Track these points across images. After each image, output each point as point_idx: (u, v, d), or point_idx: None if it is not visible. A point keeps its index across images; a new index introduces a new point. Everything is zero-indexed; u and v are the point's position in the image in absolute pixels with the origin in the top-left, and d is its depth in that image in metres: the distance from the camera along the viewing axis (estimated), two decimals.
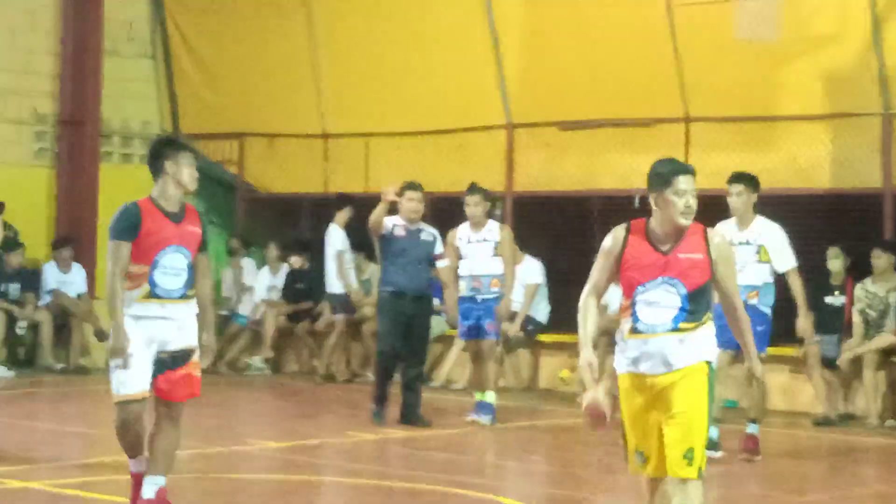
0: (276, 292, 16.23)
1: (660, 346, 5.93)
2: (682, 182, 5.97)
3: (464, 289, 11.74)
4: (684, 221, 5.94)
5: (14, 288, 15.65)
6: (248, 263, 16.74)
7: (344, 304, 15.19)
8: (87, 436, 11.00)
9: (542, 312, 14.61)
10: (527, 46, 15.00)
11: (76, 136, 16.76)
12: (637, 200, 13.64)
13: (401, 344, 11.46)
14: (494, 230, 11.78)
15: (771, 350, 10.55)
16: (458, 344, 14.14)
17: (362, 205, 15.24)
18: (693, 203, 5.97)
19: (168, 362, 7.06)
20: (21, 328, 15.52)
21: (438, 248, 11.66)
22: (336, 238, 15.06)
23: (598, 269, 6.06)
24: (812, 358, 12.43)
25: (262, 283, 16.43)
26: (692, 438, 5.88)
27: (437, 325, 15.15)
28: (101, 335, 15.45)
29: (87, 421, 11.96)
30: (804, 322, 10.50)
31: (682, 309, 5.92)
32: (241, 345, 16.40)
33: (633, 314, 5.97)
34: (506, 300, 11.82)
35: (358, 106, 16.25)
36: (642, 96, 14.23)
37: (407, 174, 15.74)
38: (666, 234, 5.97)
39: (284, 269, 16.27)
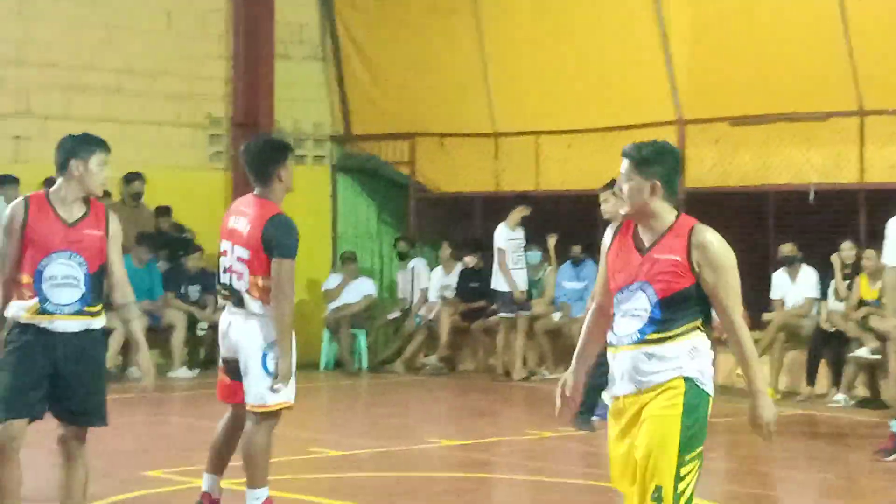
0: (450, 291, 16.30)
1: (626, 362, 5.15)
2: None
3: None
4: (622, 212, 5.16)
5: (194, 290, 15.99)
6: (420, 263, 16.85)
7: (508, 301, 15.18)
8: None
9: None
10: (696, 41, 14.78)
11: (250, 138, 16.95)
12: (812, 195, 13.37)
13: None
14: None
15: None
16: None
17: (535, 203, 15.30)
18: (625, 189, 5.14)
19: None
20: (202, 329, 15.85)
21: None
22: (499, 236, 15.08)
23: (599, 271, 5.39)
24: None
25: (435, 282, 16.52)
26: (660, 476, 5.03)
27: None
28: None
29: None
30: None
31: (651, 318, 5.10)
32: (417, 344, 16.51)
33: (613, 323, 5.24)
34: None
35: (527, 104, 16.21)
36: (815, 89, 13.95)
37: (578, 172, 15.75)
38: (645, 230, 5.17)
39: (458, 267, 16.33)
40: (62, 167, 6.54)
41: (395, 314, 16.77)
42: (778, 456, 10.10)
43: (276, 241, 6.85)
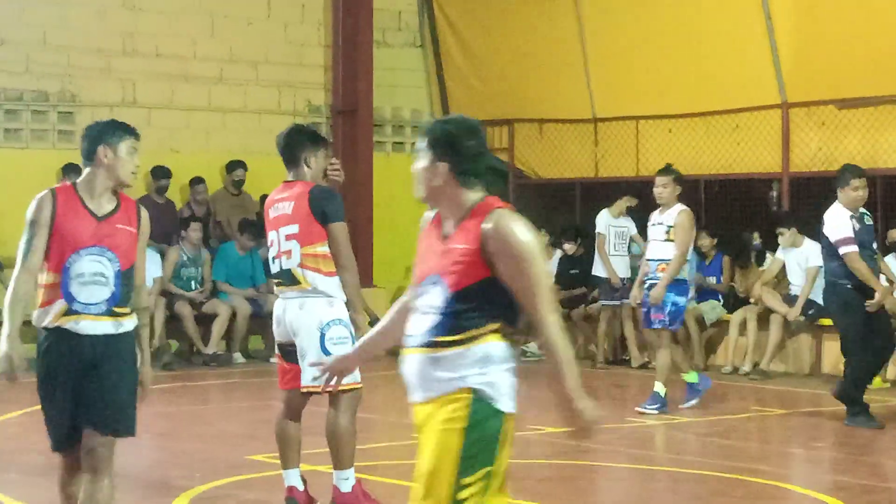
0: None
1: (414, 366, 4.56)
2: None
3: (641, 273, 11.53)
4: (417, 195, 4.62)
5: None
6: None
7: (608, 289, 15.08)
8: (368, 420, 11.19)
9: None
10: (801, 22, 14.51)
11: (350, 126, 17.13)
12: None
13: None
14: (672, 214, 11.28)
15: None
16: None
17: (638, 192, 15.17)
18: (419, 170, 4.60)
19: None
20: None
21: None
22: (600, 221, 15.05)
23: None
24: None
25: None
26: (434, 499, 4.43)
27: (713, 310, 14.90)
28: (375, 322, 15.74)
29: (364, 406, 12.17)
30: None
31: (441, 318, 4.49)
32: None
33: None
34: (660, 286, 11.08)
35: (627, 89, 16.07)
36: None
37: (678, 157, 15.58)
38: (446, 217, 4.61)
39: (557, 254, 16.25)
40: (89, 156, 5.94)
41: None
42: (887, 446, 9.91)
43: (324, 207, 7.02)
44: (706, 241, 15.08)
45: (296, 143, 7.20)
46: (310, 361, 6.77)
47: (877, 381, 13.16)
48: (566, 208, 17.11)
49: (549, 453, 9.70)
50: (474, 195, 4.57)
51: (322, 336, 6.98)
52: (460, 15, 17.73)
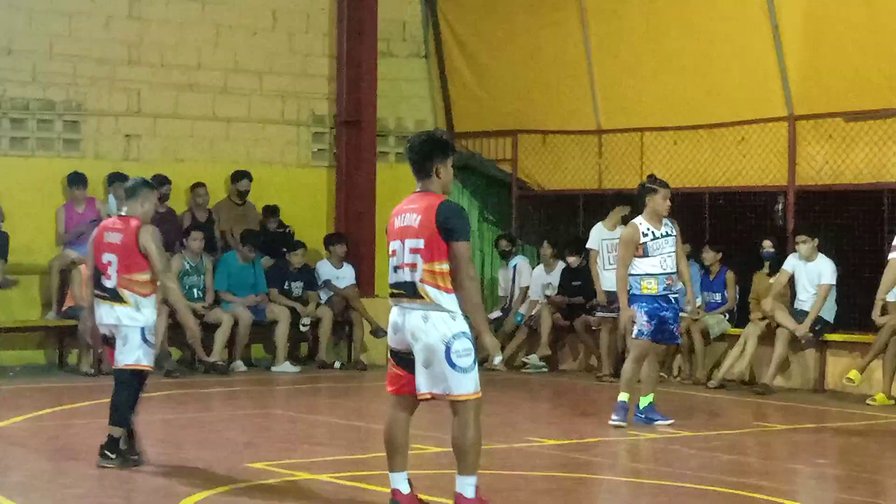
0: (552, 290, 16.18)
1: None
2: None
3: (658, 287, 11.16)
4: None
5: (297, 286, 16.09)
6: (522, 261, 16.75)
7: (602, 301, 15.04)
8: (367, 430, 11.14)
9: (829, 311, 14.06)
10: (809, 34, 14.44)
11: (353, 136, 17.10)
12: None
13: None
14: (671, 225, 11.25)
15: None
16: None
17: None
18: None
19: None
20: (304, 325, 15.93)
21: None
22: (593, 235, 15.06)
23: None
24: None
25: (536, 280, 16.41)
26: None
27: (718, 323, 14.81)
28: (377, 332, 15.77)
29: (364, 416, 12.15)
30: None
31: None
32: (518, 343, 16.41)
33: None
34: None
35: (632, 100, 16.02)
36: None
37: (683, 169, 15.54)
38: None
39: (559, 266, 16.19)
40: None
41: (497, 313, 16.67)
42: (890, 463, 9.82)
43: (450, 225, 7.05)
44: (710, 255, 15.00)
45: (428, 154, 7.22)
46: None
47: (880, 396, 13.08)
48: (569, 220, 17.03)
49: (547, 466, 9.64)
50: None
51: (448, 349, 7.06)
52: (465, 26, 17.70)
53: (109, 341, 9.03)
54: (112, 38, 15.98)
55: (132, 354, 8.90)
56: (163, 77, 16.28)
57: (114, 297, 8.87)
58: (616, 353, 15.16)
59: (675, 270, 11.18)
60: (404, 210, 7.26)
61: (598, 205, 15.96)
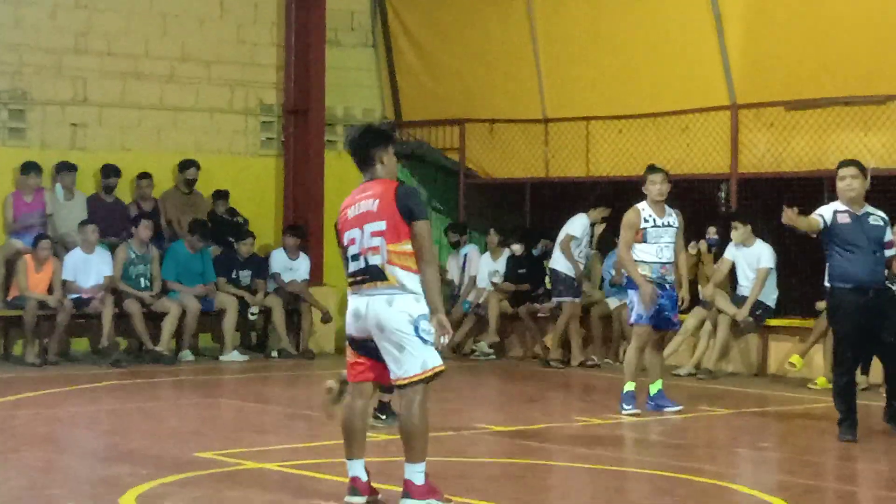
0: (499, 277, 16.28)
1: None
2: None
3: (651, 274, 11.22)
4: None
5: (245, 275, 16.10)
6: (472, 250, 16.84)
7: (569, 285, 15.10)
8: (316, 419, 11.20)
9: (770, 296, 14.27)
10: (751, 23, 14.62)
11: (301, 125, 17.11)
12: (869, 180, 13.12)
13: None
14: (675, 215, 11.37)
15: None
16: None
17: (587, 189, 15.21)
18: None
19: None
20: (253, 314, 15.95)
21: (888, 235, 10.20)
22: (579, 224, 15.00)
23: None
24: None
25: (483, 268, 16.51)
26: None
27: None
28: (326, 318, 15.86)
29: (312, 405, 12.19)
30: None
31: None
32: (466, 330, 16.51)
33: None
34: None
35: (578, 89, 16.14)
36: (874, 72, 13.74)
37: (628, 158, 15.68)
38: None
39: (505, 254, 16.30)
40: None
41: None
42: (830, 446, 10.00)
43: (411, 205, 7.16)
44: None
45: (368, 144, 7.31)
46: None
47: (821, 380, 13.29)
48: (516, 208, 17.16)
49: (497, 452, 9.73)
50: None
51: (416, 328, 7.13)
52: (413, 15, 17.75)
53: None
54: (58, 26, 15.90)
55: None
56: (110, 65, 16.22)
57: None
58: (565, 338, 15.26)
59: (671, 261, 11.25)
60: (358, 199, 7.31)
61: (544, 193, 16.06)
